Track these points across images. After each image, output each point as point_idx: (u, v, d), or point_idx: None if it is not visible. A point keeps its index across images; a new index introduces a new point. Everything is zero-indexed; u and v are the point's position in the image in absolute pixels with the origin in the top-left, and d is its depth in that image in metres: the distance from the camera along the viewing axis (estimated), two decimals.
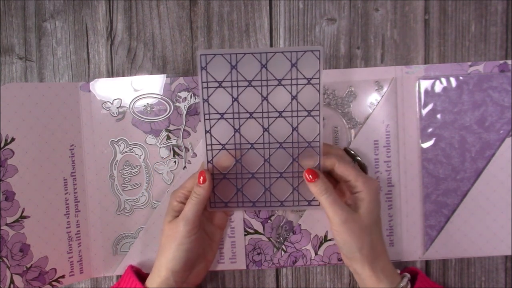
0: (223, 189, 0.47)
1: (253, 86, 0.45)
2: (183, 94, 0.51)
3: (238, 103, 0.45)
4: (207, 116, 0.45)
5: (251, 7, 0.51)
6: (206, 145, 0.46)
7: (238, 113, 0.45)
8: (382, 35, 0.52)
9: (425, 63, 0.52)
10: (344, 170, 0.44)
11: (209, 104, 0.45)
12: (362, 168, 0.49)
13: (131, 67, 0.52)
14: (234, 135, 0.46)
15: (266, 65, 0.44)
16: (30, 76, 0.52)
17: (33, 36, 0.52)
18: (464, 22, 0.51)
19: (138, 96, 0.51)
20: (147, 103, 0.51)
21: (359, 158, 0.49)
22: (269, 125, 0.46)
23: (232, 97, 0.45)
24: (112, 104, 0.51)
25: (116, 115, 0.51)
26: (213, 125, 0.45)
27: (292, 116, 0.45)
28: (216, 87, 0.45)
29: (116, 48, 0.52)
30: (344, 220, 0.42)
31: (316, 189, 0.43)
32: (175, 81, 0.51)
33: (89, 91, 0.51)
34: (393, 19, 0.52)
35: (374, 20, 0.52)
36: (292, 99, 0.45)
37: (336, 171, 0.45)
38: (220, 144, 0.46)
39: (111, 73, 0.52)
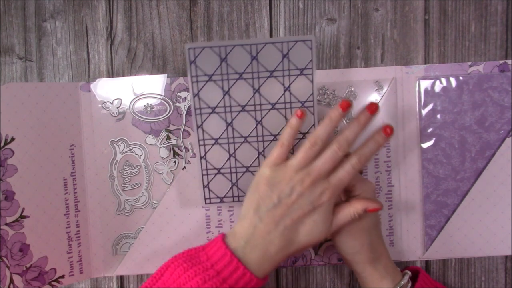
0: (218, 184, 0.47)
1: (244, 79, 0.44)
2: (183, 94, 0.51)
3: (230, 96, 0.44)
4: (198, 111, 0.44)
5: (251, 7, 0.51)
6: (198, 140, 0.45)
7: (230, 106, 0.45)
8: (382, 35, 0.52)
9: (425, 63, 0.52)
10: None
11: (199, 98, 0.44)
12: None
13: (131, 67, 0.52)
14: (226, 129, 0.45)
15: (257, 57, 0.43)
16: (30, 76, 0.52)
17: (33, 36, 0.52)
18: (464, 22, 0.51)
19: (138, 96, 0.51)
20: (147, 103, 0.51)
21: None
22: (262, 118, 0.45)
23: (223, 91, 0.44)
24: (112, 104, 0.51)
25: (116, 115, 0.51)
26: (205, 120, 0.45)
27: (285, 108, 0.45)
28: (206, 81, 0.44)
29: (116, 48, 0.52)
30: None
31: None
32: (175, 81, 0.51)
33: (89, 91, 0.51)
34: (393, 19, 0.52)
35: (374, 20, 0.52)
36: (285, 91, 0.44)
37: None
38: (212, 138, 0.45)
39: (111, 73, 0.52)
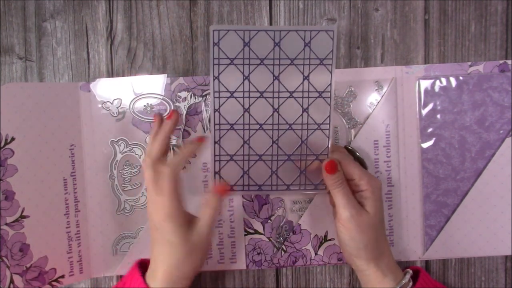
0: (229, 171, 0.46)
1: (265, 65, 0.44)
2: (183, 94, 0.51)
3: (249, 81, 0.44)
4: (216, 94, 0.44)
5: (251, 7, 0.51)
6: (215, 124, 0.45)
7: (249, 92, 0.44)
8: (382, 35, 0.52)
9: (425, 63, 0.52)
10: (349, 169, 0.44)
11: (219, 81, 0.44)
12: (362, 164, 0.49)
13: (131, 67, 0.52)
14: (243, 114, 0.45)
15: (279, 43, 0.44)
16: (30, 76, 0.52)
17: (33, 36, 0.52)
18: (464, 22, 0.52)
19: (138, 96, 0.51)
20: (147, 103, 0.51)
21: (358, 154, 0.49)
22: (279, 106, 0.45)
23: (243, 75, 0.44)
24: (112, 104, 0.51)
25: (116, 115, 0.51)
26: (222, 104, 0.44)
27: (303, 97, 0.45)
28: (228, 64, 0.44)
29: (116, 48, 0.52)
30: (353, 215, 0.43)
31: (333, 181, 0.44)
32: (175, 81, 0.51)
33: (89, 91, 0.51)
34: (393, 19, 0.52)
35: (374, 20, 0.52)
36: (303, 79, 0.44)
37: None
38: (228, 123, 0.45)
39: (111, 73, 0.52)
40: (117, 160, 0.51)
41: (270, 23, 0.52)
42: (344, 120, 0.51)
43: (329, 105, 0.45)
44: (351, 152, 0.49)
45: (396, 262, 0.46)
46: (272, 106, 0.45)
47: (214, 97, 0.44)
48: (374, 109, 0.51)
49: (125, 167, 0.51)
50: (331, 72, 0.44)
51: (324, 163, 0.44)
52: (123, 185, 0.51)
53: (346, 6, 0.51)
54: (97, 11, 0.52)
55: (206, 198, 0.44)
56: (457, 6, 0.51)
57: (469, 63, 0.51)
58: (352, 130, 0.51)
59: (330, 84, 0.44)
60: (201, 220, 0.44)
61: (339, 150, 0.48)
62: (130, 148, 0.51)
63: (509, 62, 0.51)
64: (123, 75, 0.52)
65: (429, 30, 0.52)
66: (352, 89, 0.51)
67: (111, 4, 0.52)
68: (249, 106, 0.45)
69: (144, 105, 0.51)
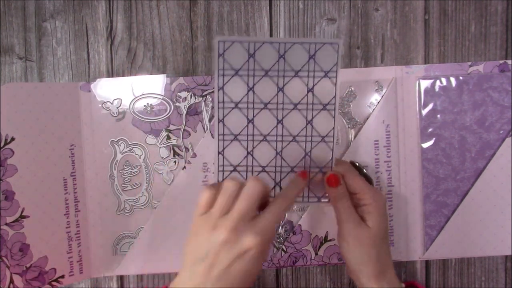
0: None
1: (270, 76, 0.44)
2: (183, 94, 0.51)
3: (254, 92, 0.44)
4: (221, 105, 0.44)
5: (251, 7, 0.51)
6: (218, 134, 0.45)
7: (253, 103, 0.44)
8: (382, 35, 0.52)
9: (425, 63, 0.52)
10: (352, 182, 0.43)
11: (224, 92, 0.44)
12: (368, 181, 0.48)
13: (131, 67, 0.52)
14: (247, 125, 0.45)
15: (284, 56, 0.44)
16: (30, 76, 0.52)
17: (33, 36, 0.52)
18: (464, 22, 0.52)
19: (138, 96, 0.51)
20: (147, 103, 0.51)
21: (365, 171, 0.49)
22: (283, 117, 0.45)
23: (248, 86, 0.44)
24: (112, 104, 0.51)
25: (116, 115, 0.51)
26: (227, 115, 0.45)
27: (307, 109, 0.45)
28: (232, 75, 0.44)
29: (116, 48, 0.52)
30: (354, 229, 0.42)
31: (336, 194, 0.43)
32: (175, 81, 0.51)
33: (89, 91, 0.51)
34: (393, 19, 0.52)
35: (374, 20, 0.52)
36: (308, 92, 0.44)
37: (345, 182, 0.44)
38: (232, 134, 0.45)
39: (111, 73, 0.52)
40: (117, 160, 0.51)
41: (270, 23, 0.52)
42: (344, 120, 0.51)
43: (334, 117, 0.45)
44: (358, 168, 0.48)
45: (397, 278, 0.44)
46: (276, 118, 0.45)
47: (219, 108, 0.44)
48: (374, 109, 0.51)
49: (125, 167, 0.52)
50: (335, 85, 0.44)
51: (327, 176, 0.44)
52: (123, 185, 0.52)
53: (346, 6, 0.51)
54: (97, 11, 0.52)
55: (288, 184, 0.41)
56: (457, 6, 0.51)
57: (469, 63, 0.51)
58: (352, 130, 0.51)
59: (335, 97, 0.44)
60: (267, 213, 0.39)
61: (344, 164, 0.47)
62: (130, 148, 0.51)
63: (509, 62, 0.51)
64: (123, 75, 0.52)
65: (429, 30, 0.52)
66: (352, 89, 0.51)
67: (111, 4, 0.52)
68: (253, 117, 0.45)
69: (144, 105, 0.51)
